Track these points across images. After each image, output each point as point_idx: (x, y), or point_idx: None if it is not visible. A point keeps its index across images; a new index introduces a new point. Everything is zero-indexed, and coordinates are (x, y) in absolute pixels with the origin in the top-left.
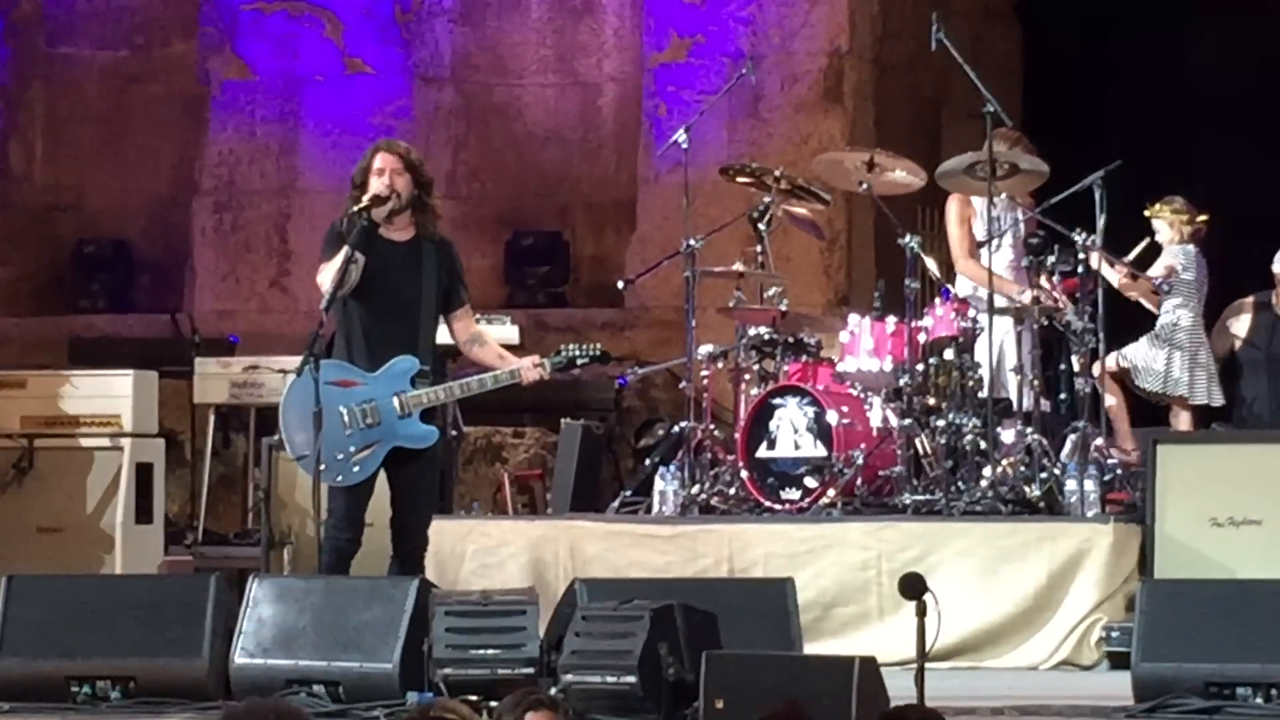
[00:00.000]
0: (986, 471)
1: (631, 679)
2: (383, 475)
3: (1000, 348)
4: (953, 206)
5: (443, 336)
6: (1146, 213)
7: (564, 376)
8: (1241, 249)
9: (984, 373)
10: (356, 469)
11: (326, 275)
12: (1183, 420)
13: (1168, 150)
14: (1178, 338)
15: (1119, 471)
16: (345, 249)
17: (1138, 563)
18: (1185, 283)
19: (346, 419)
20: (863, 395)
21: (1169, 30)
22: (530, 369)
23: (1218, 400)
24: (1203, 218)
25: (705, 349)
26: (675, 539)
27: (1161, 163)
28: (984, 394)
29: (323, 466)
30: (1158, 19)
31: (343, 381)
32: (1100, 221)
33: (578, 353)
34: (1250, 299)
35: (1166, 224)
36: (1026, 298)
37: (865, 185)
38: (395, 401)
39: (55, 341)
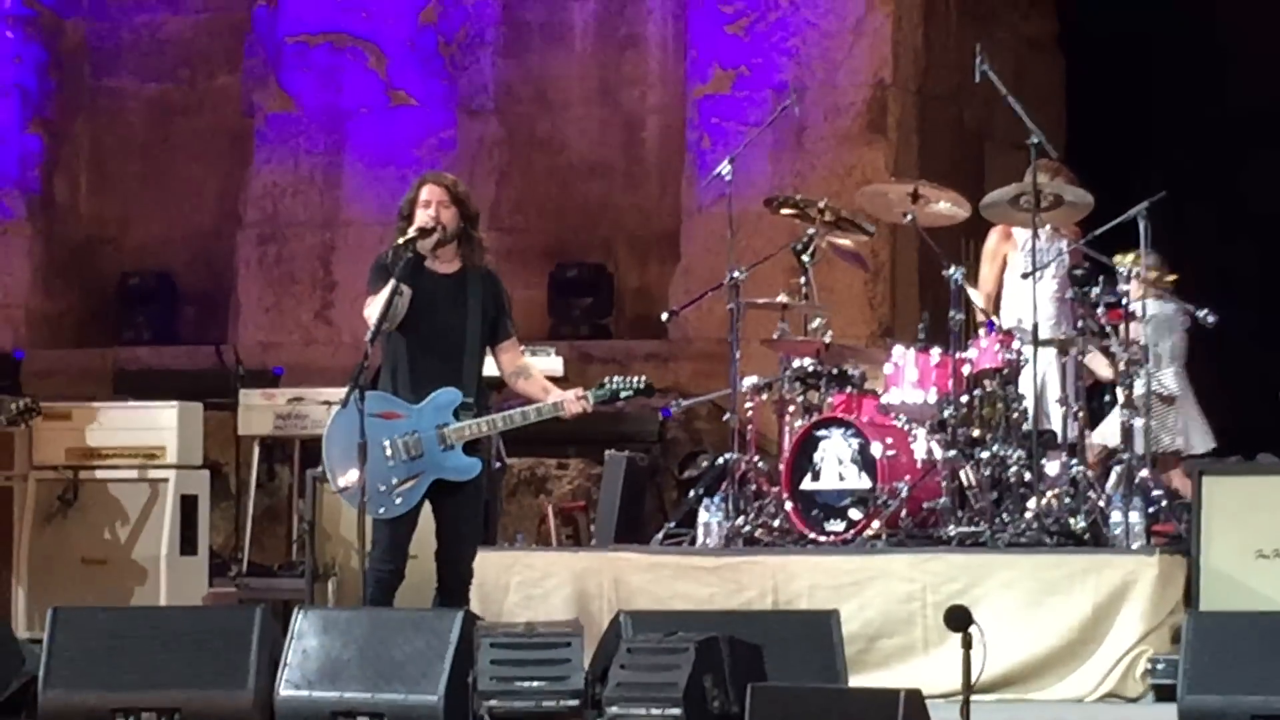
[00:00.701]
0: (1031, 503)
1: (676, 711)
2: (427, 507)
3: (1043, 379)
4: (990, 240)
5: (490, 369)
6: (1116, 260)
7: (607, 408)
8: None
9: (1028, 404)
10: (399, 501)
11: (374, 308)
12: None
13: (1212, 179)
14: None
15: (1164, 503)
16: (392, 281)
17: (1183, 595)
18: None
19: (389, 451)
20: (907, 427)
21: (1211, 58)
22: (573, 401)
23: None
24: (1171, 277)
25: (749, 380)
26: (719, 571)
27: (1206, 192)
28: (1028, 426)
29: (366, 498)
30: (1199, 47)
31: (386, 414)
32: (1143, 252)
33: (621, 385)
34: None
35: (1135, 278)
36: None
37: (909, 217)
38: (438, 433)
39: (100, 373)
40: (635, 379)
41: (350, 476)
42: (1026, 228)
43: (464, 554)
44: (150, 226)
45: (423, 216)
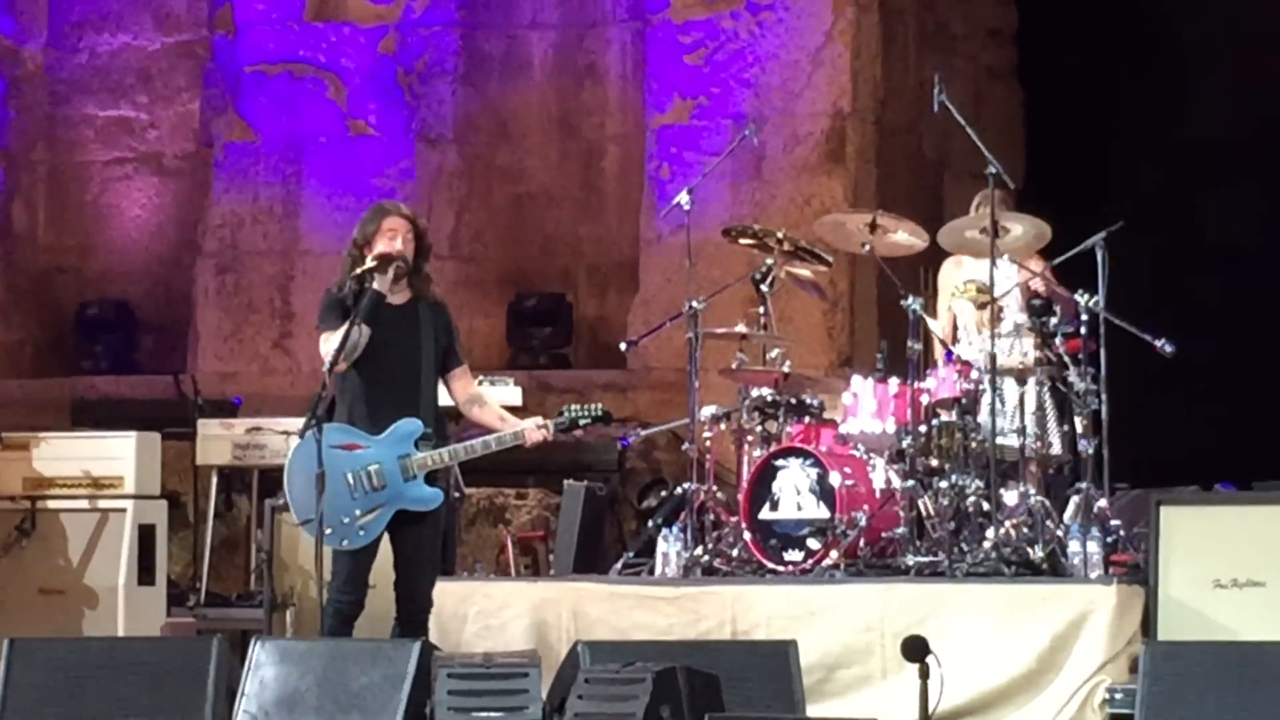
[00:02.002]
0: (989, 533)
1: None
2: (386, 537)
3: (1004, 409)
4: (943, 270)
5: (443, 399)
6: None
7: (567, 438)
8: (1249, 297)
9: (986, 434)
10: (362, 533)
11: (332, 343)
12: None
13: (1171, 208)
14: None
15: (1122, 533)
16: (354, 319)
17: (1141, 624)
18: None
19: (352, 482)
20: (866, 457)
21: (1170, 88)
22: (534, 430)
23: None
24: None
25: (708, 410)
26: (678, 601)
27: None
28: (987, 456)
29: (328, 530)
30: (1158, 76)
31: (347, 445)
32: (1102, 282)
33: (580, 413)
34: None
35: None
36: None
37: (868, 247)
38: (400, 464)
39: (58, 403)
40: (593, 406)
41: (311, 508)
42: (984, 258)
43: (423, 584)
44: (109, 256)
45: (387, 246)
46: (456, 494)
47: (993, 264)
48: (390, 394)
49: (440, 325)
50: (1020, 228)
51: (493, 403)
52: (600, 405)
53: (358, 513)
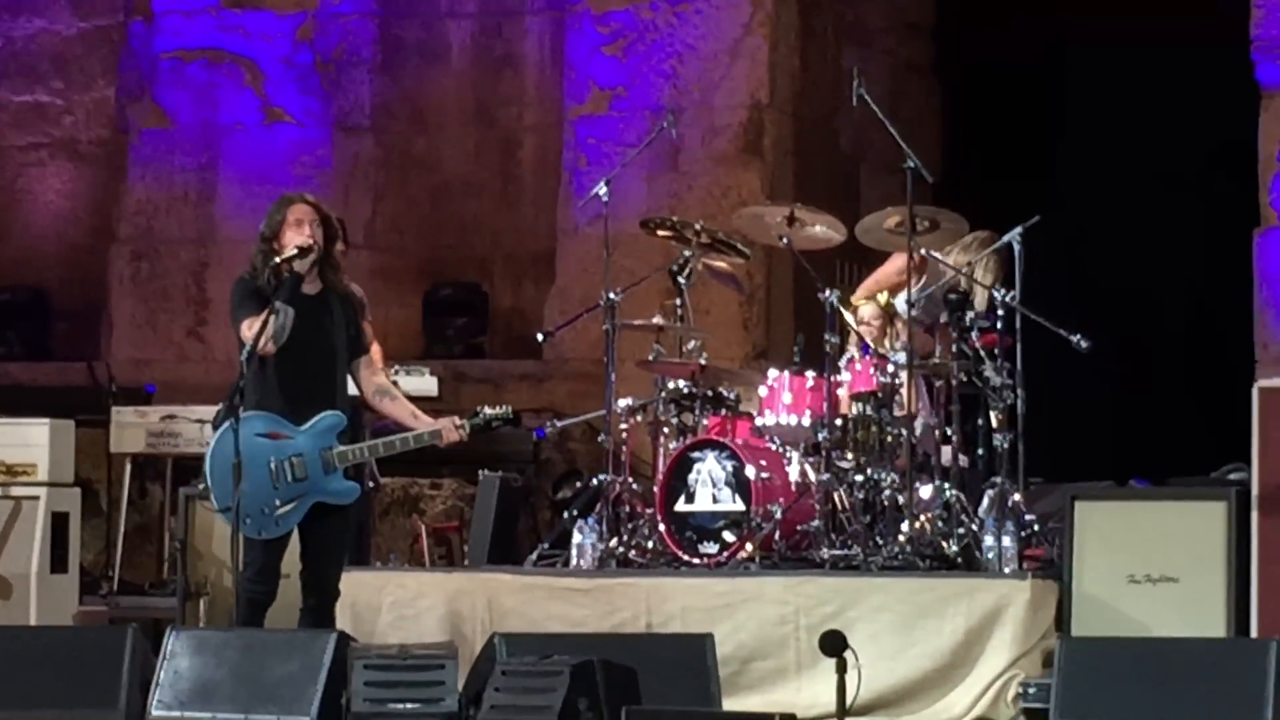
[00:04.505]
0: (904, 527)
1: None
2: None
3: (918, 403)
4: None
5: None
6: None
7: (480, 437)
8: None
9: (902, 428)
10: (279, 523)
11: (256, 328)
12: None
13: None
14: None
15: (1036, 528)
16: (275, 301)
17: (1055, 619)
18: None
19: (274, 471)
20: (781, 450)
21: (1086, 82)
22: (451, 430)
23: None
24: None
25: (624, 402)
26: (593, 592)
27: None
28: (902, 450)
29: (247, 519)
30: (1075, 73)
31: (272, 434)
32: (1019, 277)
33: (493, 415)
34: None
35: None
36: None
37: (785, 240)
38: (322, 457)
39: None
40: (504, 408)
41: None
42: (902, 251)
43: (332, 575)
44: (22, 241)
45: (297, 236)
46: (371, 484)
47: (910, 259)
48: (306, 384)
49: (349, 315)
50: (946, 220)
51: (403, 398)
52: (509, 408)
53: (277, 503)
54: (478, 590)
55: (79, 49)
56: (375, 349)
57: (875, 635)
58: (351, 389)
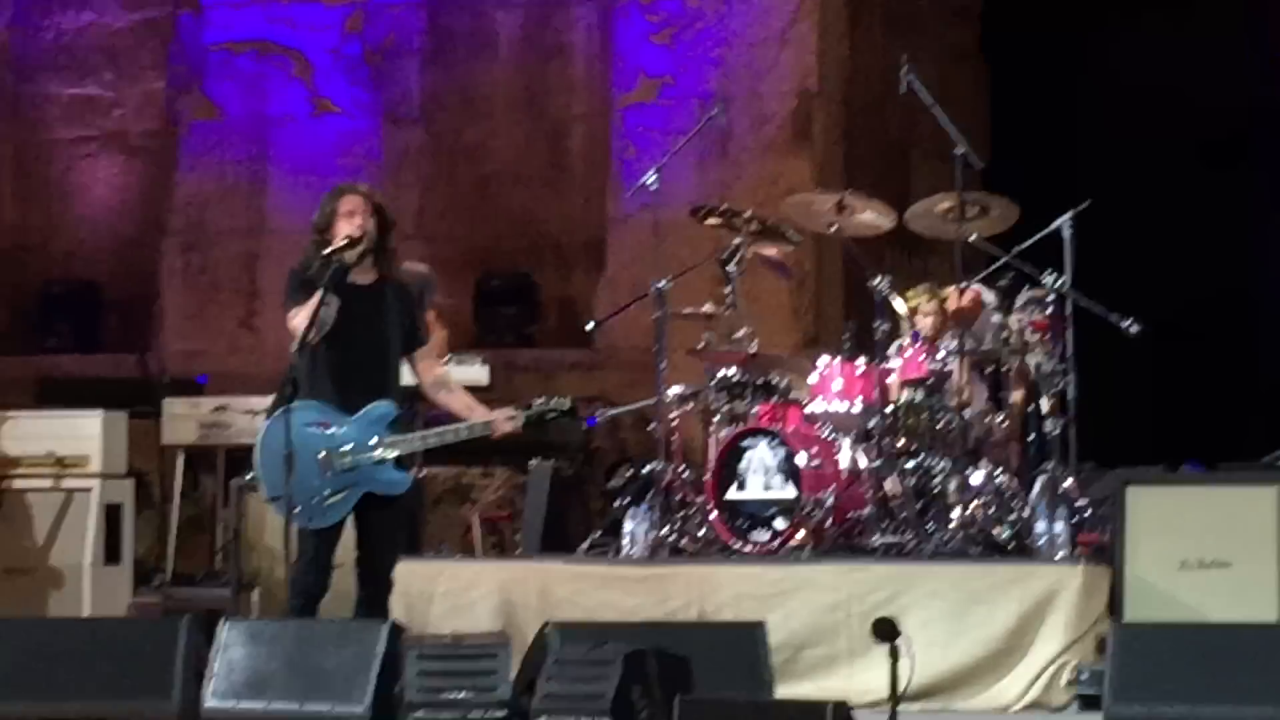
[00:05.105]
0: (956, 513)
1: None
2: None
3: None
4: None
5: (407, 378)
6: (910, 303)
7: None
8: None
9: (953, 414)
10: (329, 513)
11: (301, 318)
12: None
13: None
14: None
15: (1088, 513)
16: (320, 291)
17: (1107, 604)
18: None
19: (324, 462)
20: (832, 437)
21: (1136, 70)
22: (503, 421)
23: None
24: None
25: (674, 390)
26: (645, 581)
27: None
28: (953, 436)
29: (297, 509)
30: (1124, 59)
31: (322, 424)
32: (1069, 262)
33: (548, 408)
34: None
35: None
36: None
37: (834, 227)
38: (373, 447)
39: (23, 382)
40: (560, 401)
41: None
42: (951, 237)
43: (386, 565)
44: (74, 234)
45: (348, 227)
46: (421, 473)
47: (958, 245)
48: (358, 374)
49: (405, 306)
50: (998, 206)
51: (460, 389)
52: (567, 400)
53: (327, 492)
54: (530, 579)
55: (128, 42)
56: (441, 334)
57: (927, 622)
58: (407, 379)
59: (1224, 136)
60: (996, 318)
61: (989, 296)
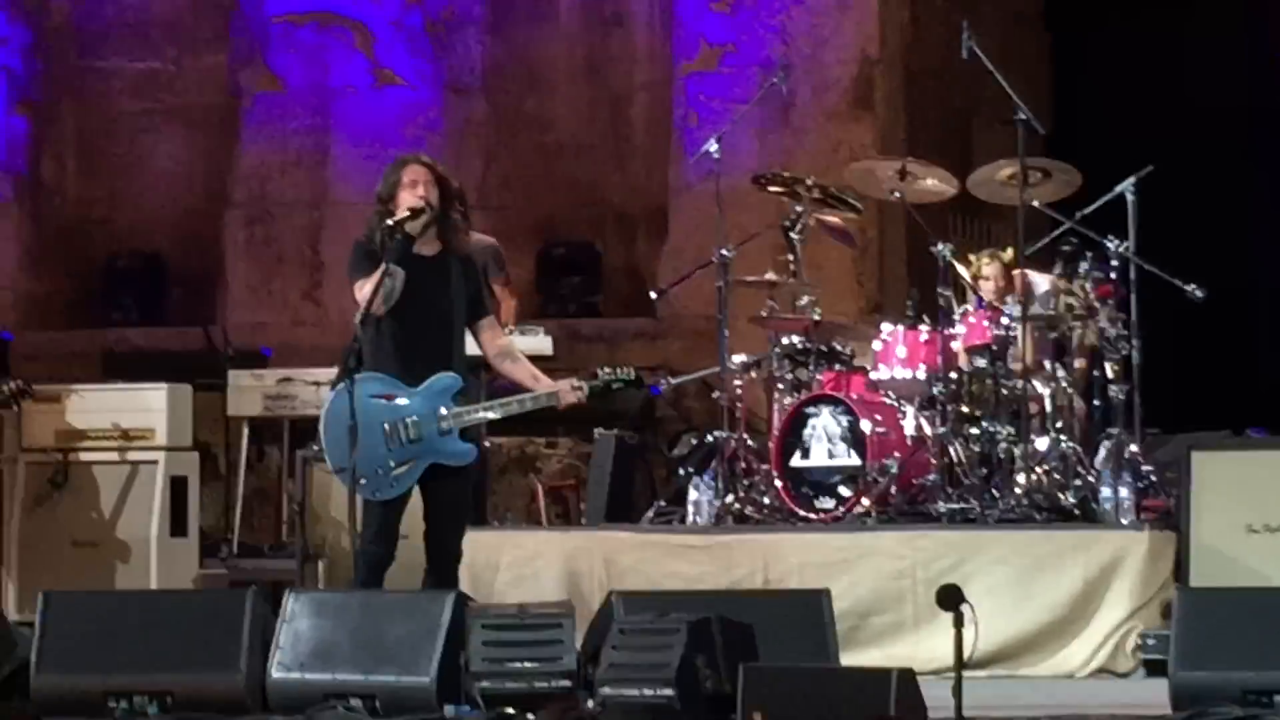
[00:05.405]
0: (1021, 479)
1: (669, 691)
2: (416, 489)
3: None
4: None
5: (471, 349)
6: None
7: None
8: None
9: (1017, 380)
10: (395, 484)
11: (367, 289)
12: None
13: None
14: None
15: (1154, 478)
16: (384, 264)
17: (1173, 570)
18: None
19: (388, 433)
20: (897, 404)
21: (1200, 34)
22: (569, 392)
23: None
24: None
25: (738, 358)
26: (710, 549)
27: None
28: (1017, 402)
29: (362, 480)
30: (1189, 24)
31: (387, 395)
32: (1133, 227)
33: (613, 378)
34: None
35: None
36: None
37: (897, 194)
38: (438, 418)
39: (88, 355)
40: (626, 370)
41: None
42: (1014, 203)
43: (454, 536)
44: (138, 207)
45: (411, 198)
46: (485, 444)
47: (1020, 211)
48: (423, 346)
49: (470, 276)
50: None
51: (524, 359)
52: (632, 369)
53: (392, 464)
54: (595, 549)
55: (190, 15)
56: (510, 304)
57: (993, 588)
58: (472, 349)
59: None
60: (1045, 289)
61: (1038, 278)
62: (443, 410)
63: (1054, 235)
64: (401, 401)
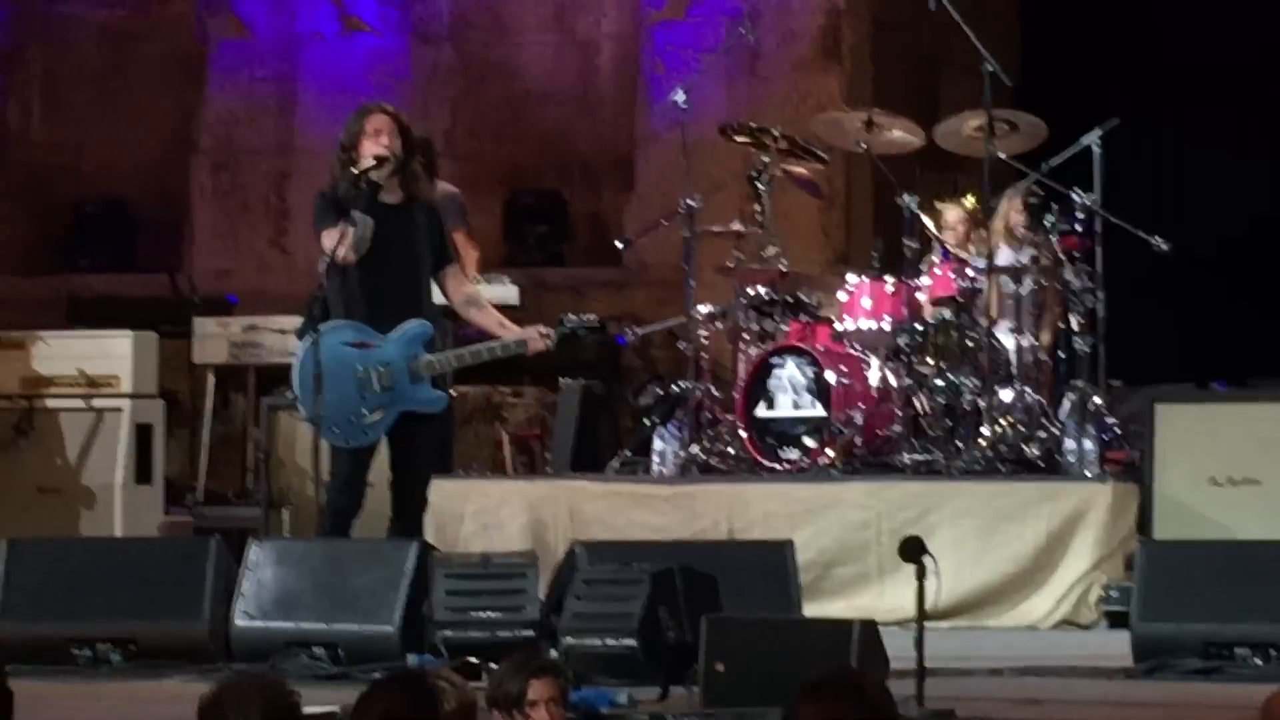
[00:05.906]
0: (985, 431)
1: (632, 641)
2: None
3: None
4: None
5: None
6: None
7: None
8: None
9: (982, 333)
10: (368, 431)
11: (332, 239)
12: None
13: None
14: None
15: (1118, 430)
16: (353, 212)
17: (1136, 522)
18: None
19: (362, 381)
20: (862, 355)
21: None
22: (537, 339)
23: None
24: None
25: (704, 308)
26: (674, 499)
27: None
28: (982, 354)
29: (335, 429)
30: None
31: (359, 343)
32: (1099, 179)
33: (578, 325)
34: None
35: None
36: None
37: (864, 145)
38: (409, 366)
39: (53, 302)
40: (589, 318)
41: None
42: (979, 155)
43: (420, 485)
44: (103, 153)
45: (374, 147)
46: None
47: (986, 163)
48: (390, 294)
49: (434, 224)
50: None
51: (490, 307)
52: (597, 317)
53: (365, 411)
54: (559, 498)
55: None
56: (473, 254)
57: (957, 540)
58: (438, 298)
59: (1256, 50)
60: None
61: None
62: (415, 357)
63: (1020, 186)
64: (374, 349)
